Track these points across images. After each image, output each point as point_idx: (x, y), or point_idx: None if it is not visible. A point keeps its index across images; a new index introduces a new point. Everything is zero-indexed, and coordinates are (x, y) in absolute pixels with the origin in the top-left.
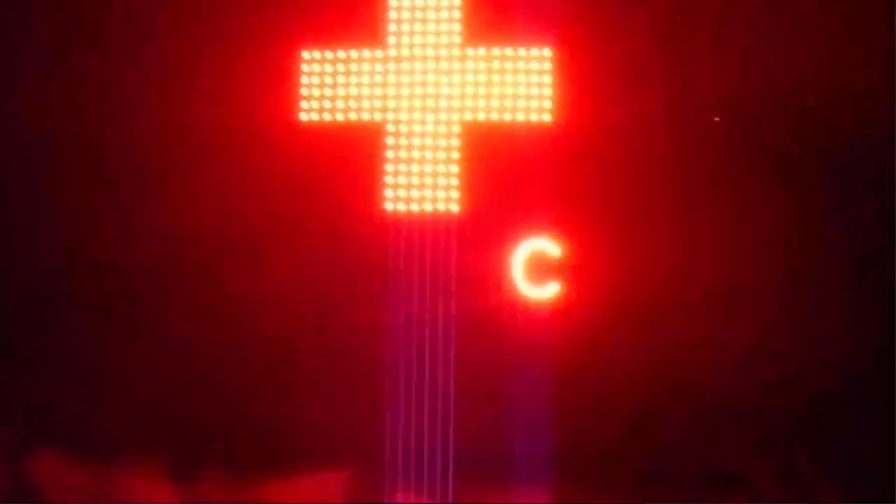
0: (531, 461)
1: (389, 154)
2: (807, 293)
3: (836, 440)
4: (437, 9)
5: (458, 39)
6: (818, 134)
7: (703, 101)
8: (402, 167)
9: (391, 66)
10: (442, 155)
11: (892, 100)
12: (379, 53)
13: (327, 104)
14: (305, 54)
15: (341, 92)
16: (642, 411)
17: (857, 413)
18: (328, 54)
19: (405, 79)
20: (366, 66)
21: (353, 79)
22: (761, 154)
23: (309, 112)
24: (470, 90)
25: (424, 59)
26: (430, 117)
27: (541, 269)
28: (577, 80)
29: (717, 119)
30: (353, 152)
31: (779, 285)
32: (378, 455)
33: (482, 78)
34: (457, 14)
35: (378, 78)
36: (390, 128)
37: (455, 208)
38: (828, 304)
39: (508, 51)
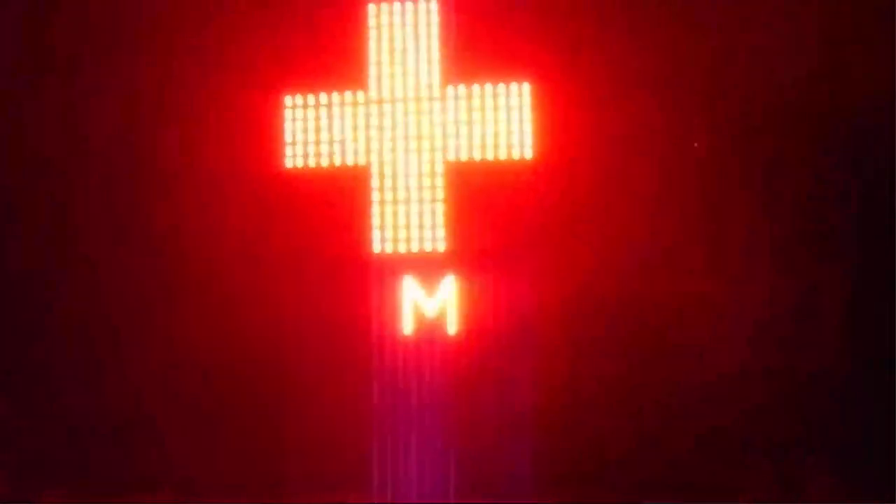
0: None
1: (375, 196)
2: (807, 294)
3: (835, 440)
4: (417, 50)
5: (438, 79)
6: (817, 138)
7: (686, 132)
8: (388, 209)
9: (373, 108)
10: (427, 195)
11: (893, 99)
12: (361, 96)
13: (311, 149)
14: (288, 100)
15: (325, 136)
16: (641, 414)
17: (857, 413)
18: (311, 99)
19: (387, 121)
20: (348, 110)
21: (336, 122)
22: (749, 185)
23: (294, 158)
24: (451, 129)
25: (406, 99)
26: (413, 158)
27: None
28: (556, 115)
29: (696, 145)
30: (340, 196)
31: (775, 289)
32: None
33: (463, 116)
34: (436, 54)
35: (361, 121)
36: (375, 170)
37: (441, 247)
38: (827, 303)
39: (488, 87)
